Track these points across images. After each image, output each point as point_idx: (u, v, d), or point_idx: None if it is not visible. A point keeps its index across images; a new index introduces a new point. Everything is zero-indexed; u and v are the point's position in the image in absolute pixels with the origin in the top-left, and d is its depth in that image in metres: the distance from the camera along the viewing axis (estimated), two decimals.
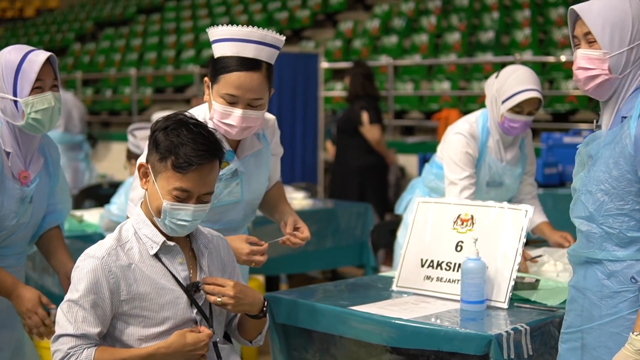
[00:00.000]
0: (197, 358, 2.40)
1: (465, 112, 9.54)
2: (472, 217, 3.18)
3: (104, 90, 14.82)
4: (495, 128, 3.81)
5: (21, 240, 2.96)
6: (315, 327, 3.02)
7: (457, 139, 3.82)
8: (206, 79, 2.81)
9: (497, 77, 3.79)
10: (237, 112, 2.71)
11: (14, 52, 2.81)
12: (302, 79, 8.35)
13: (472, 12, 11.54)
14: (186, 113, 2.43)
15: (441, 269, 3.15)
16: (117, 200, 4.54)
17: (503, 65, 9.97)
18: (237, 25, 2.74)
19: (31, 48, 2.84)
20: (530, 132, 4.00)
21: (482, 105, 3.98)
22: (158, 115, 2.73)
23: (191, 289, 2.44)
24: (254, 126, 2.77)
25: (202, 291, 2.46)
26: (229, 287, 2.46)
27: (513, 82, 3.69)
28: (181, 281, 2.43)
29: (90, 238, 4.49)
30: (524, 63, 8.99)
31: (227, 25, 2.75)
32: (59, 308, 2.37)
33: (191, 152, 2.32)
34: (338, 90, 10.91)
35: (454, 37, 10.88)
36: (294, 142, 8.24)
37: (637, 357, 2.21)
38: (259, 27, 2.76)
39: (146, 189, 2.43)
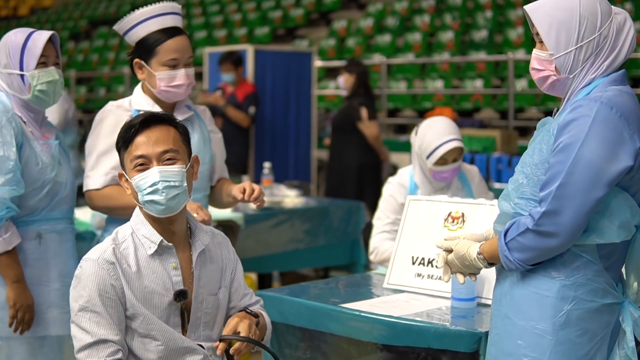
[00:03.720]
0: None
1: (458, 111, 9.62)
2: (462, 215, 3.19)
3: (98, 89, 14.80)
4: (422, 181, 3.81)
5: (66, 204, 3.18)
6: (306, 324, 3.03)
7: (385, 187, 3.92)
8: (136, 60, 3.19)
9: (416, 133, 3.80)
10: (181, 72, 3.15)
11: (18, 33, 3.07)
12: (296, 77, 8.35)
13: (465, 11, 11.56)
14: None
15: (432, 266, 3.16)
16: None
17: (496, 63, 10.06)
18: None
19: (34, 29, 3.09)
20: (477, 172, 3.99)
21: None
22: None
23: (179, 297, 2.42)
24: (192, 82, 3.19)
25: (188, 297, 2.44)
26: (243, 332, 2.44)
27: (432, 137, 3.70)
28: (173, 286, 2.40)
29: (82, 236, 4.48)
30: (517, 61, 9.02)
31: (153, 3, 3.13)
32: (71, 323, 2.33)
33: None
34: (331, 88, 10.92)
35: (447, 36, 10.90)
36: (287, 140, 8.23)
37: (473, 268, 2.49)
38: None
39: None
